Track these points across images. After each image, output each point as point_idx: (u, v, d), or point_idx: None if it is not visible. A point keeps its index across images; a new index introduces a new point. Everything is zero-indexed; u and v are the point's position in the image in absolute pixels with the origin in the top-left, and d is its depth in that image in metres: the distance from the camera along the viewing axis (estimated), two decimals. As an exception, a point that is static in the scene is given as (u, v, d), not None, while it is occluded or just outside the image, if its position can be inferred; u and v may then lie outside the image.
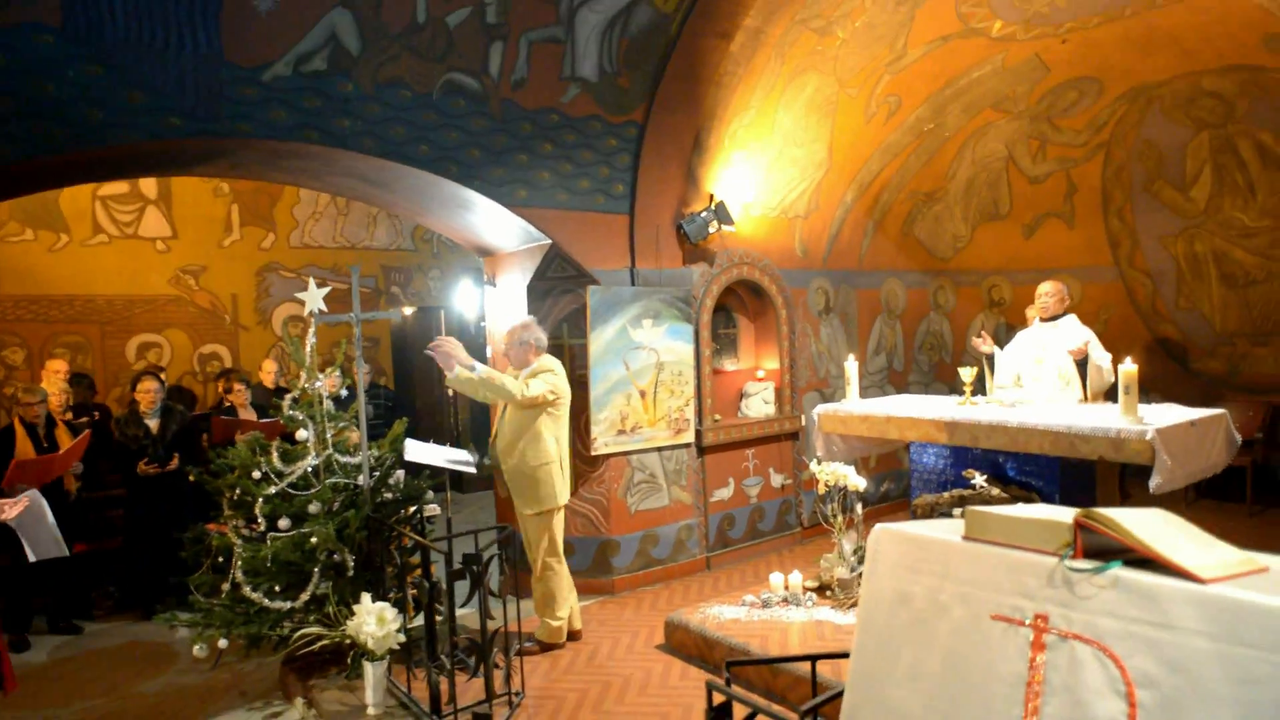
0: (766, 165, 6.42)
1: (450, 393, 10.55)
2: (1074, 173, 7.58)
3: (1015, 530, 1.74)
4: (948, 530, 1.91)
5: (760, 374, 7.00)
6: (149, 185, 7.99)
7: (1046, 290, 5.23)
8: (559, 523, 4.70)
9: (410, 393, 10.05)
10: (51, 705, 4.56)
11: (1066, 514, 1.72)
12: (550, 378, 4.54)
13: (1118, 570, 1.55)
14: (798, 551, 6.70)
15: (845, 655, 2.53)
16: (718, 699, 2.28)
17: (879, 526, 1.99)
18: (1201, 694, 1.40)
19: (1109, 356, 4.93)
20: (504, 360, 4.96)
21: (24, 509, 3.25)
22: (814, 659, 2.46)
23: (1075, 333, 5.06)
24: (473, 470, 4.58)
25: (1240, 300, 7.19)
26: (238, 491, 4.49)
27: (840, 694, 2.21)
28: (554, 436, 4.59)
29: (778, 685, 3.97)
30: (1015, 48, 6.24)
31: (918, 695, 1.79)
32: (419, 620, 4.53)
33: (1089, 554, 1.64)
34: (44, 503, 3.48)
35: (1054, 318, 5.20)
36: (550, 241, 5.61)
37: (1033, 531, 1.70)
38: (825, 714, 2.31)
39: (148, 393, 6.03)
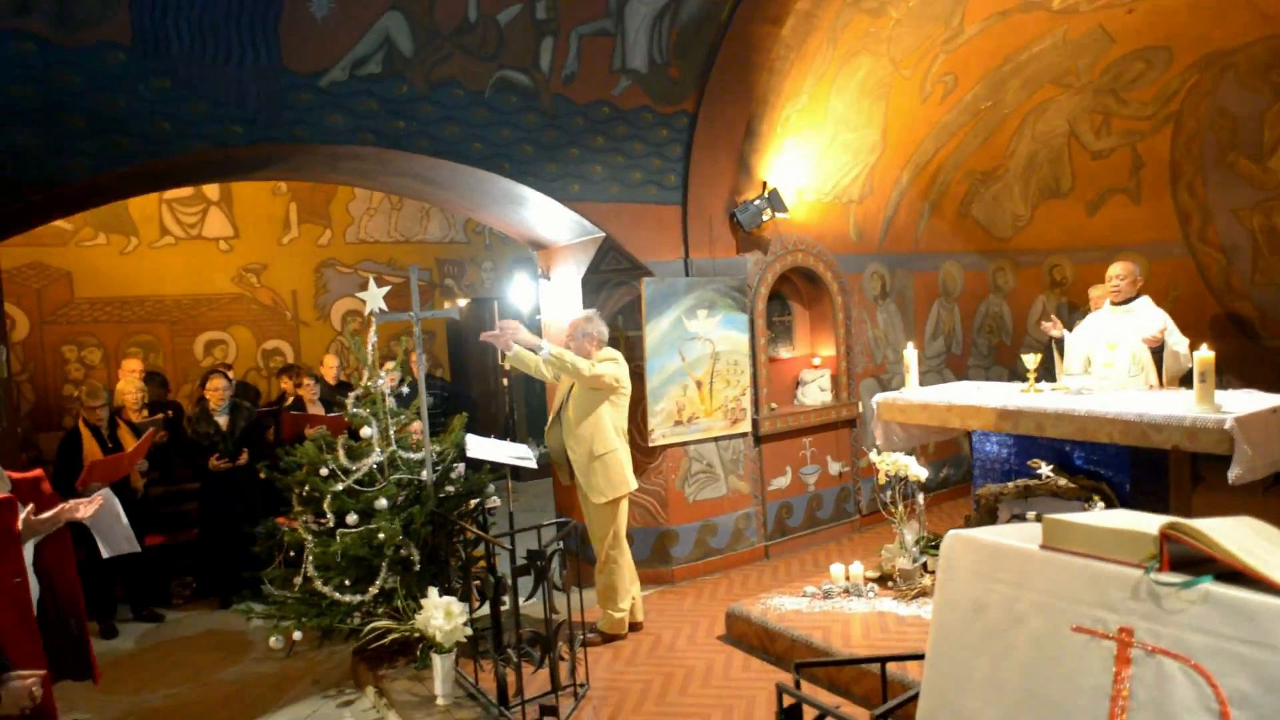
0: (819, 150, 6.33)
1: (505, 383, 10.70)
2: (1140, 146, 7.30)
3: (1097, 540, 1.70)
4: (1023, 537, 1.87)
5: (816, 361, 6.93)
6: (211, 187, 8.23)
7: (1117, 273, 5.03)
8: (624, 512, 4.75)
9: (466, 383, 10.21)
10: (142, 691, 4.79)
11: (1151, 523, 1.68)
12: (613, 367, 4.59)
13: (1208, 585, 1.51)
14: (856, 540, 6.65)
15: (915, 657, 2.51)
16: (788, 701, 2.28)
17: (952, 533, 1.97)
18: (1301, 715, 1.36)
19: (1186, 341, 4.76)
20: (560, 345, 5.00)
21: (99, 508, 3.40)
22: (884, 661, 2.45)
23: (1150, 316, 4.88)
24: (533, 465, 4.64)
25: (1322, 275, 6.88)
26: (306, 488, 4.63)
27: (910, 699, 2.20)
28: (615, 425, 4.65)
29: (842, 678, 3.96)
30: (1077, 20, 6.02)
31: (995, 706, 1.77)
32: (483, 610, 4.63)
33: (1175, 566, 1.59)
34: (117, 502, 3.64)
35: (1126, 300, 5.03)
36: (604, 234, 5.63)
37: (1115, 542, 1.67)
38: (894, 716, 2.30)
39: (216, 390, 6.23)
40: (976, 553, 1.90)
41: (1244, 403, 3.97)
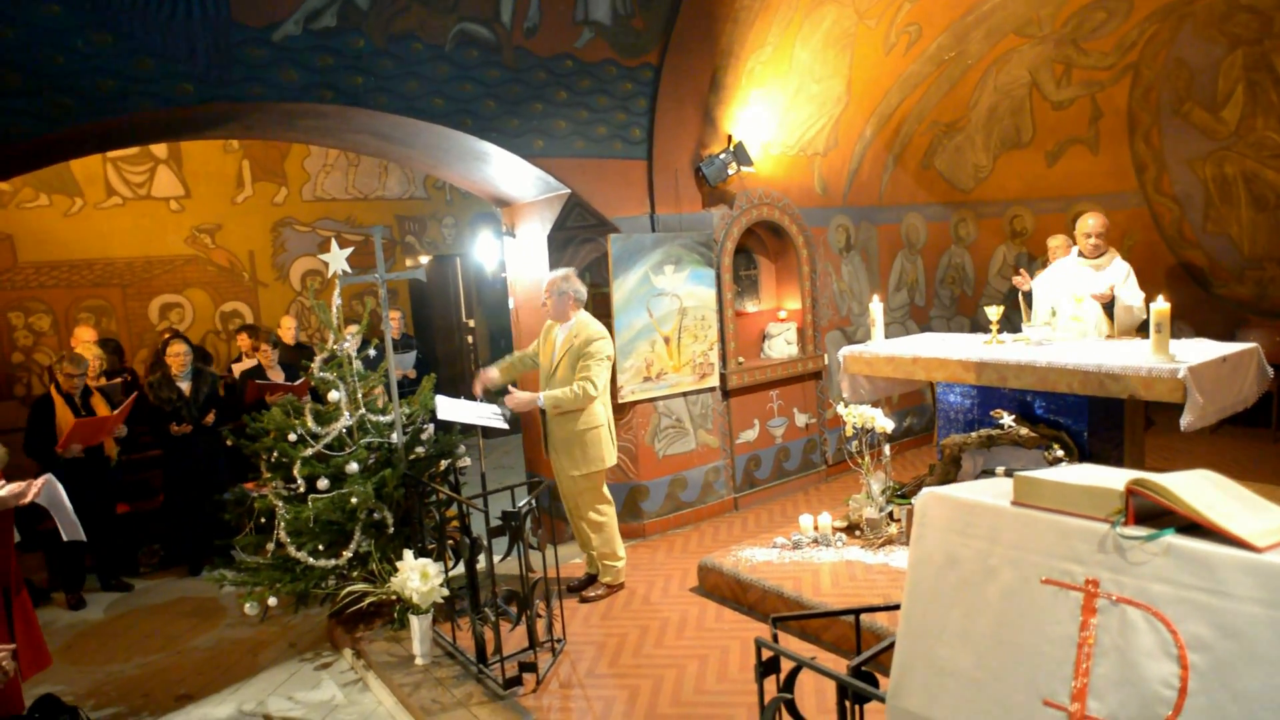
0: (784, 103, 6.28)
1: (470, 340, 10.63)
2: (1099, 97, 7.37)
3: (1065, 496, 1.76)
4: (995, 494, 1.93)
5: (782, 314, 6.98)
6: (159, 145, 7.93)
7: (1095, 229, 4.98)
8: (603, 474, 4.82)
9: (430, 340, 10.11)
10: (114, 661, 4.76)
11: (1117, 479, 1.74)
12: (604, 346, 4.57)
13: (1170, 538, 1.57)
14: (823, 490, 6.80)
15: (889, 608, 2.60)
16: (766, 655, 2.35)
17: (926, 490, 2.02)
18: (1255, 658, 1.44)
19: (1141, 295, 4.85)
20: (529, 304, 4.97)
21: (38, 492, 3.40)
22: (858, 612, 2.53)
23: (1117, 270, 4.94)
24: (504, 425, 4.63)
25: (1270, 223, 7.05)
26: (275, 454, 4.58)
27: (885, 648, 2.28)
28: (602, 401, 4.66)
29: (812, 626, 4.08)
30: (1041, -32, 6.01)
31: (968, 654, 1.84)
32: (457, 570, 4.66)
33: (1139, 519, 1.66)
34: (59, 488, 3.60)
35: (1100, 255, 5.07)
36: (569, 191, 5.56)
37: (1083, 498, 1.72)
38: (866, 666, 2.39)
39: (178, 355, 6.10)
40: (950, 509, 1.96)
41: (1196, 352, 4.09)
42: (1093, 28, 6.78)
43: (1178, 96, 7.13)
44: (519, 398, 4.56)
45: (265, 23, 4.13)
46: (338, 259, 4.55)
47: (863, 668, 2.30)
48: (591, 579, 5.01)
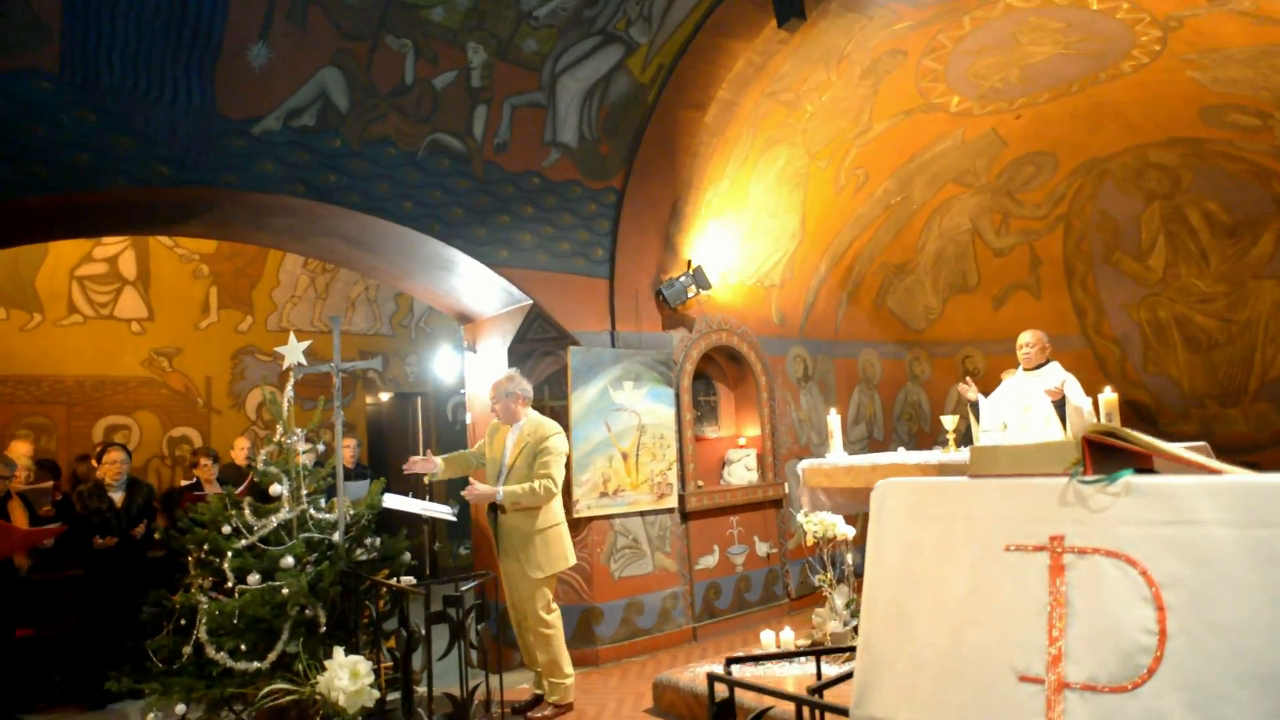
0: (742, 234, 6.60)
1: (426, 481, 10.35)
2: (1036, 245, 7.87)
3: (1022, 459, 1.71)
4: (953, 480, 1.87)
5: (742, 441, 6.96)
6: (128, 265, 8.00)
7: (1027, 341, 5.26)
8: (552, 585, 4.60)
9: (386, 477, 9.80)
10: (-14, 790, 4.18)
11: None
12: (560, 442, 4.53)
13: (1129, 477, 1.52)
14: (785, 623, 6.45)
15: (851, 649, 2.42)
16: (720, 693, 2.15)
17: (883, 480, 1.95)
18: (1229, 583, 1.36)
19: (1089, 400, 4.97)
20: (485, 419, 4.91)
21: None
22: (819, 653, 2.35)
23: (1058, 378, 5.10)
24: (453, 518, 4.45)
25: (1205, 363, 7.36)
26: (205, 548, 4.29)
27: (846, 677, 2.11)
28: (559, 500, 4.55)
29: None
30: (973, 122, 6.60)
31: (936, 644, 1.71)
32: (393, 695, 4.28)
33: (1098, 470, 1.61)
34: None
35: (1037, 366, 5.25)
36: (531, 303, 5.66)
37: (1040, 456, 1.68)
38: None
39: (114, 464, 5.83)
40: (907, 494, 1.88)
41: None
42: (1024, 180, 7.36)
43: (1107, 246, 7.64)
44: (479, 490, 4.43)
45: (247, 115, 4.33)
46: (294, 352, 4.50)
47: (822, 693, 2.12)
48: (538, 699, 4.62)
